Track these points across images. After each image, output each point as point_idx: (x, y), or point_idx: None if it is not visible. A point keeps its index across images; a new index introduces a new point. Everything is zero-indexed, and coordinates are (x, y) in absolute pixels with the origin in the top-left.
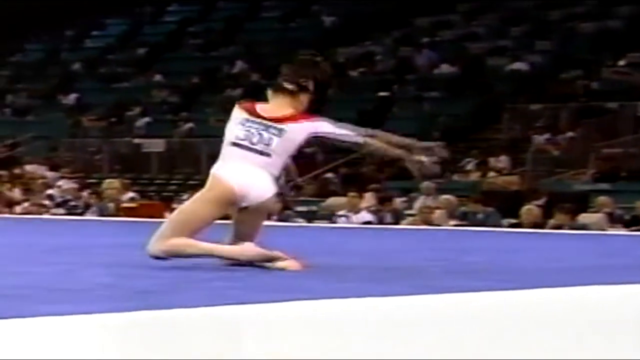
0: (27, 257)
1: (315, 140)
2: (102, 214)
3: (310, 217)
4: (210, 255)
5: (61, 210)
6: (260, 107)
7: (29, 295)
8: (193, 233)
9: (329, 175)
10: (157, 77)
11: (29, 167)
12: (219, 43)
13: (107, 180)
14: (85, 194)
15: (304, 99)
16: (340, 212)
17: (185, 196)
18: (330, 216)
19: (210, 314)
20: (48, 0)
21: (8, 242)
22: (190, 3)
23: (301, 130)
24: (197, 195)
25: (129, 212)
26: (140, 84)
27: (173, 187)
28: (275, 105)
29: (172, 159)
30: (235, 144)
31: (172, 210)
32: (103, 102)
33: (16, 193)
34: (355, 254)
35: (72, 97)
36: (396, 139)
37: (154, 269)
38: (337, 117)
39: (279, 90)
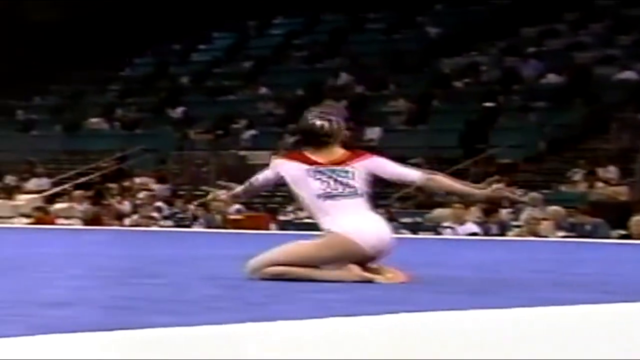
0: (137, 268)
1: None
2: (209, 225)
3: (415, 228)
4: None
5: (169, 223)
6: (313, 156)
7: (140, 307)
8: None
9: None
10: (263, 90)
11: (137, 180)
12: (323, 55)
13: (212, 192)
14: (192, 206)
15: (340, 137)
16: (446, 224)
17: (289, 208)
18: (435, 227)
19: (317, 326)
20: (156, 15)
21: (119, 254)
22: (296, 16)
23: (365, 167)
24: (318, 245)
25: (236, 223)
26: (246, 97)
27: (278, 199)
28: (325, 151)
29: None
30: (326, 196)
31: (277, 222)
32: (210, 115)
33: (125, 205)
34: (462, 266)
35: (179, 111)
36: (457, 185)
37: (260, 279)
38: (443, 128)
39: (322, 144)
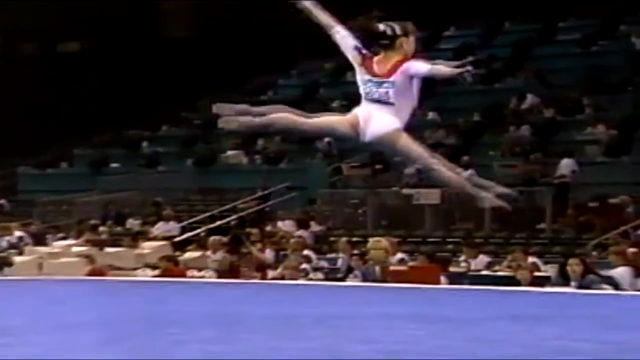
0: (288, 330)
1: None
2: (366, 278)
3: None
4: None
5: (319, 275)
6: (376, 64)
7: None
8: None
9: None
10: (431, 115)
11: (281, 224)
12: (504, 72)
13: (373, 239)
14: (346, 254)
15: (404, 43)
16: None
17: (462, 257)
18: None
19: None
20: (304, 30)
21: (264, 313)
22: (472, 26)
23: (402, 74)
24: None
25: (398, 276)
26: (412, 124)
27: (450, 247)
28: (385, 58)
29: (450, 213)
30: (366, 99)
31: (448, 273)
32: (366, 146)
33: (268, 254)
34: None
35: (330, 141)
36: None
37: (426, 345)
38: None
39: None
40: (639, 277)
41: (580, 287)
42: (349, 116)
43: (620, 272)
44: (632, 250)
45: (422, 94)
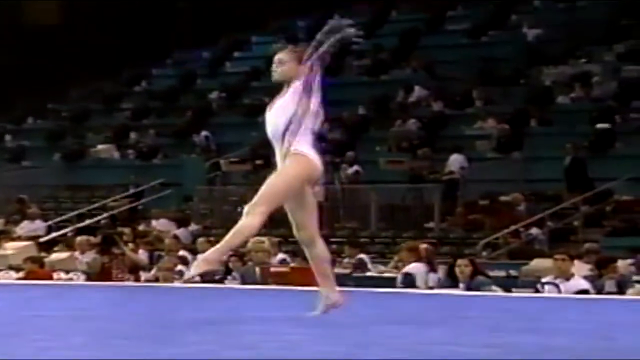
0: (162, 335)
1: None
2: (245, 281)
3: (508, 284)
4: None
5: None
6: None
7: None
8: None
9: (533, 230)
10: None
11: (155, 223)
12: (391, 64)
13: (253, 239)
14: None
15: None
16: (547, 279)
17: (346, 259)
18: (533, 283)
19: None
20: (182, 16)
21: (137, 317)
22: (356, 15)
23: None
24: (291, 169)
25: (279, 278)
26: None
27: (334, 247)
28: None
29: (334, 211)
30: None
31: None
32: (245, 140)
33: (141, 255)
34: (565, 331)
35: (206, 135)
36: None
37: (307, 350)
38: (543, 156)
39: None
40: (432, 272)
41: (468, 288)
42: (311, 177)
43: (414, 268)
44: (424, 246)
45: None
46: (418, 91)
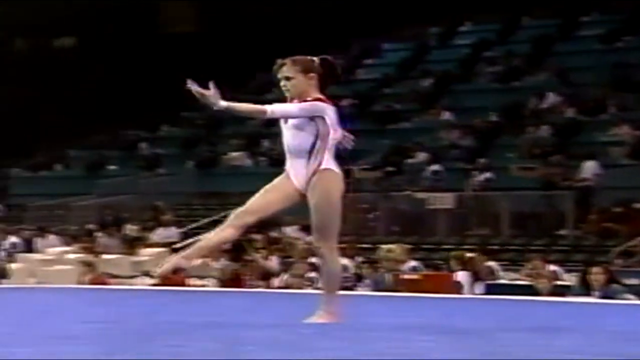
0: (291, 341)
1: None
2: (377, 287)
3: None
4: None
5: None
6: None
7: None
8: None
9: None
10: (446, 115)
11: (287, 230)
12: (523, 70)
13: (384, 246)
14: (354, 262)
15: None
16: None
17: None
18: None
19: None
20: (310, 22)
21: (268, 323)
22: (488, 21)
23: None
24: (332, 191)
25: (410, 285)
26: (424, 124)
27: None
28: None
29: (465, 218)
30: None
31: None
32: (377, 147)
33: (273, 262)
34: None
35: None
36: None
37: (437, 358)
38: None
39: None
40: (478, 280)
41: (603, 297)
42: None
43: (461, 277)
44: (470, 255)
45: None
46: (551, 98)
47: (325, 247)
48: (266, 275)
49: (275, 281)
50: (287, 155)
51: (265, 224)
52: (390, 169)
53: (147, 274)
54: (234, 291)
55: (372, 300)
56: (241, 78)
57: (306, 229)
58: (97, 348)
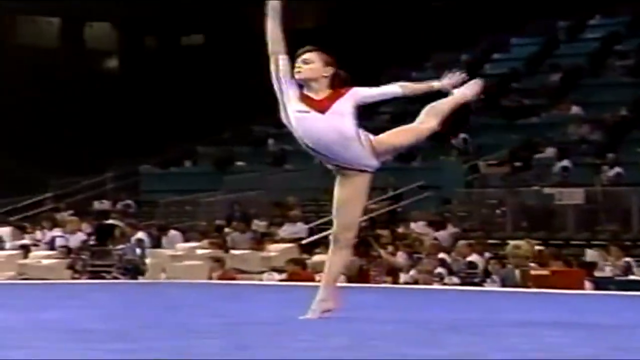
0: (420, 336)
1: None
2: (505, 283)
3: None
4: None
5: (455, 279)
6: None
7: None
8: None
9: None
10: (575, 110)
11: (414, 225)
12: None
13: (512, 242)
14: (483, 258)
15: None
16: None
17: (608, 262)
18: None
19: None
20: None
21: (395, 318)
22: (618, 14)
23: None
24: (362, 196)
25: (540, 281)
26: (553, 119)
27: (592, 252)
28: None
29: (594, 214)
30: None
31: (592, 279)
32: (505, 142)
33: (400, 257)
34: None
35: (465, 137)
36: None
37: (568, 353)
38: None
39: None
40: None
41: None
42: None
43: None
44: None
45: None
46: None
47: (343, 238)
48: (393, 271)
49: (402, 277)
50: None
51: (392, 220)
52: (517, 164)
53: (275, 269)
54: (361, 286)
55: (501, 297)
56: (371, 73)
57: (433, 224)
58: (229, 343)
